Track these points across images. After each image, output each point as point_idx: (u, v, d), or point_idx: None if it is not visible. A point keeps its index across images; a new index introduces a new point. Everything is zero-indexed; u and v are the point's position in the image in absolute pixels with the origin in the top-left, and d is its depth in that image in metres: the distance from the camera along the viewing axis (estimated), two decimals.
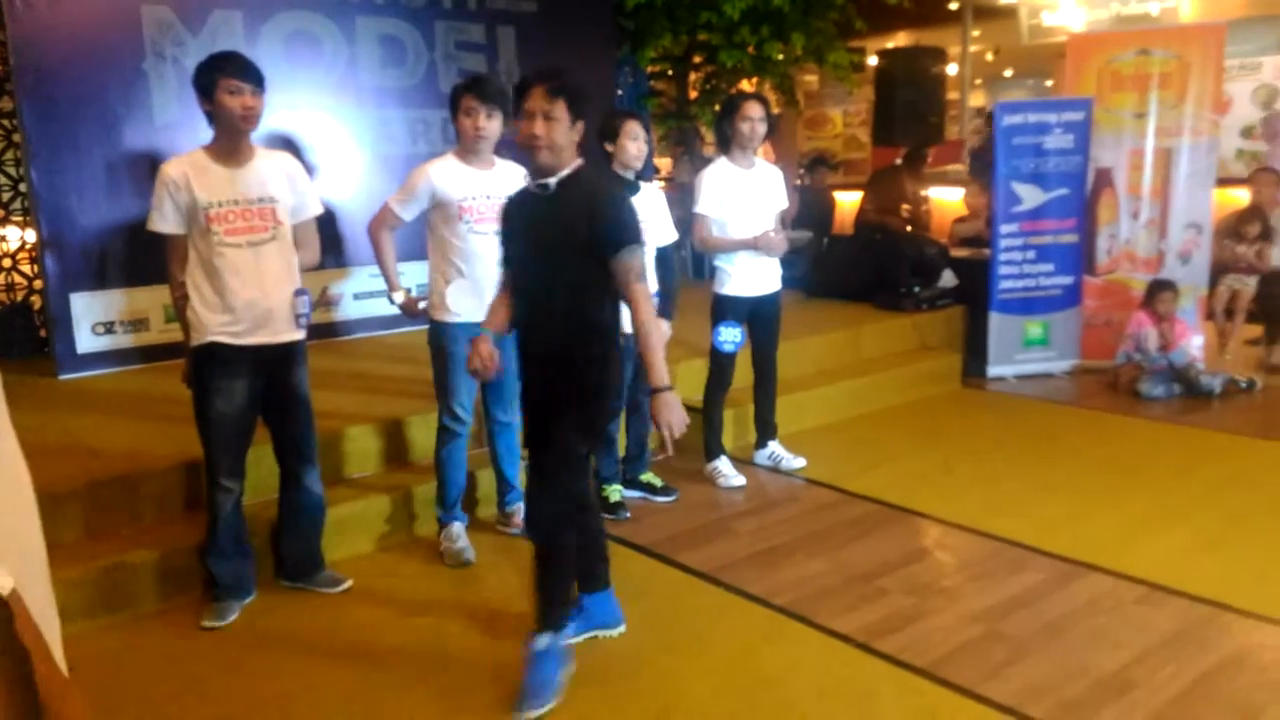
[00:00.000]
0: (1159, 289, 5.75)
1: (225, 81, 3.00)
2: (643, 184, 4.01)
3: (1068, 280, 6.19)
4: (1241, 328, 6.25)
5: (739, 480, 4.47)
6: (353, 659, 3.02)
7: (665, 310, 4.10)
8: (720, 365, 4.48)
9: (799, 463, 4.65)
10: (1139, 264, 6.18)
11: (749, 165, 4.34)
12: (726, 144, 4.34)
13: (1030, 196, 6.11)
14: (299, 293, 3.21)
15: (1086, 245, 6.23)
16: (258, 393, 3.19)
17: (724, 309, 4.35)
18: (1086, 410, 5.56)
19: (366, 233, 3.69)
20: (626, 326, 3.93)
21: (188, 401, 3.21)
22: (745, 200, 4.30)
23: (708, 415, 4.55)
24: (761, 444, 4.74)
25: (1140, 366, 5.73)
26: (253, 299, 3.11)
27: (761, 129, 4.25)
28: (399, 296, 3.65)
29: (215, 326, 3.10)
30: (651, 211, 4.00)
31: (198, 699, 2.84)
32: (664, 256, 4.09)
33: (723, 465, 4.53)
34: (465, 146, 3.56)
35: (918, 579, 3.50)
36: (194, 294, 3.12)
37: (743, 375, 4.61)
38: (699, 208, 4.30)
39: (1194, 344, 5.88)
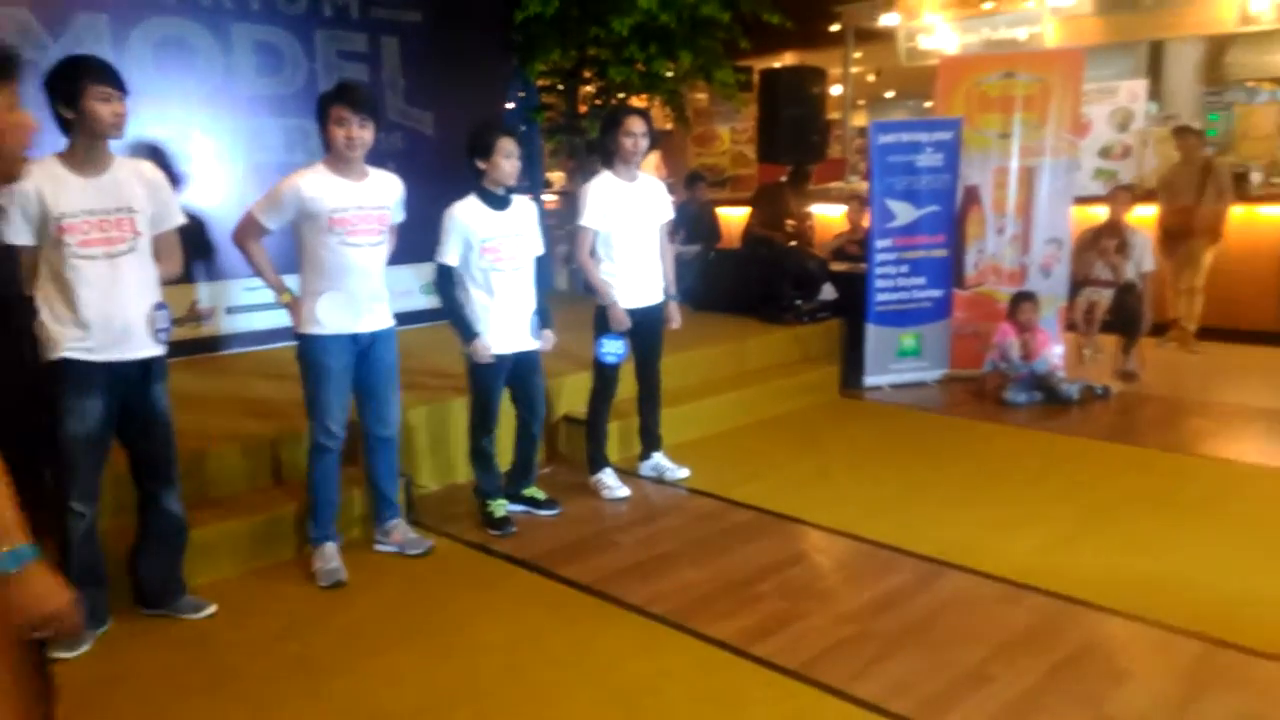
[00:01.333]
0: (1021, 300, 6.04)
1: (96, 88, 2.89)
2: (515, 197, 4.01)
3: (938, 293, 6.45)
4: (1098, 337, 6.61)
5: (623, 491, 4.50)
6: (215, 688, 2.92)
7: (545, 321, 4.12)
8: (604, 377, 4.50)
9: (683, 473, 4.70)
10: (1004, 277, 6.48)
11: (631, 179, 4.37)
12: (610, 158, 4.35)
13: (904, 213, 6.35)
14: (158, 306, 3.10)
15: (956, 259, 6.50)
16: (113, 411, 3.05)
17: (606, 321, 4.37)
18: (955, 417, 5.80)
19: (233, 242, 3.58)
20: (496, 346, 3.95)
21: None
22: (629, 213, 4.33)
23: (591, 428, 4.57)
24: (646, 455, 4.78)
25: (1005, 375, 6.00)
26: (108, 313, 2.99)
27: (644, 143, 4.28)
28: (285, 298, 3.54)
29: (68, 342, 2.96)
30: (526, 224, 4.01)
31: None
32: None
33: (607, 477, 4.55)
34: (336, 156, 3.49)
35: (793, 583, 3.58)
36: (45, 308, 2.98)
37: (627, 387, 4.65)
38: (582, 221, 4.31)
39: (1054, 353, 6.19)
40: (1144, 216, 7.22)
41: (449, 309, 3.94)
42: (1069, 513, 4.19)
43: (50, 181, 2.91)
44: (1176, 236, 7.16)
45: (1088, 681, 2.87)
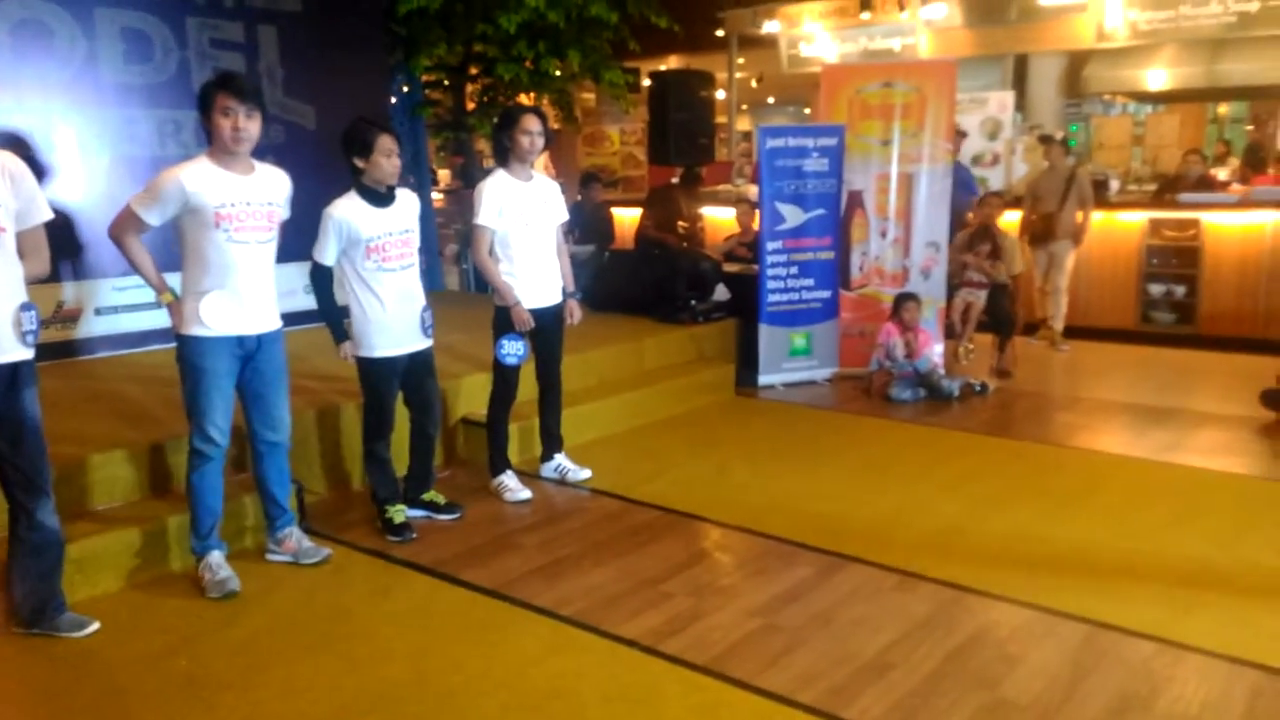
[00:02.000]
0: (904, 300, 6.27)
1: None
2: (398, 192, 3.91)
3: (826, 294, 6.63)
4: (972, 335, 6.92)
5: (525, 494, 4.45)
6: (99, 710, 2.75)
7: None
8: (504, 379, 4.44)
9: (585, 474, 4.69)
10: (887, 279, 6.71)
11: (527, 178, 4.32)
12: (505, 156, 4.28)
13: (792, 216, 6.49)
14: (24, 307, 2.90)
15: (842, 261, 6.70)
16: None
17: (506, 322, 4.32)
18: (845, 414, 5.97)
19: (109, 237, 3.36)
20: (382, 349, 3.85)
21: None
22: (525, 212, 4.28)
23: (491, 430, 4.50)
24: (547, 457, 4.74)
25: (890, 373, 6.22)
26: None
27: (540, 142, 4.25)
28: (167, 298, 3.35)
29: None
30: (412, 220, 3.96)
31: None
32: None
33: (508, 479, 4.49)
34: (221, 149, 3.32)
35: (699, 580, 3.62)
36: None
37: (527, 389, 4.61)
38: (479, 220, 4.23)
39: (935, 351, 6.46)
40: (1012, 221, 7.60)
41: (324, 309, 3.82)
42: (956, 504, 4.37)
43: None
44: (1042, 240, 7.56)
45: (983, 666, 2.99)
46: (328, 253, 3.77)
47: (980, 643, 3.13)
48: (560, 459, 4.71)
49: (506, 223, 4.25)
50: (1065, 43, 9.21)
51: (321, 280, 3.81)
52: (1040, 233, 7.55)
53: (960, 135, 7.97)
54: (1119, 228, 7.95)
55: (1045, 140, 7.76)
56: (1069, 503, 4.38)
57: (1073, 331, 7.74)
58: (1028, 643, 3.14)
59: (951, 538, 4.00)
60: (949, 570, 3.64)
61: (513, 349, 4.32)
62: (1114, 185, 8.36)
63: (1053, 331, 7.63)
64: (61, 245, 5.23)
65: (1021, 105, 9.74)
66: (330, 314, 3.83)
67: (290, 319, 3.84)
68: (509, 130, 4.21)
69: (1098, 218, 7.76)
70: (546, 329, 4.43)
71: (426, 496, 4.22)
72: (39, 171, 5.15)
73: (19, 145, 5.04)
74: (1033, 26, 9.20)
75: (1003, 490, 4.55)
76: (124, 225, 3.32)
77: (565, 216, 4.54)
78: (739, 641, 3.14)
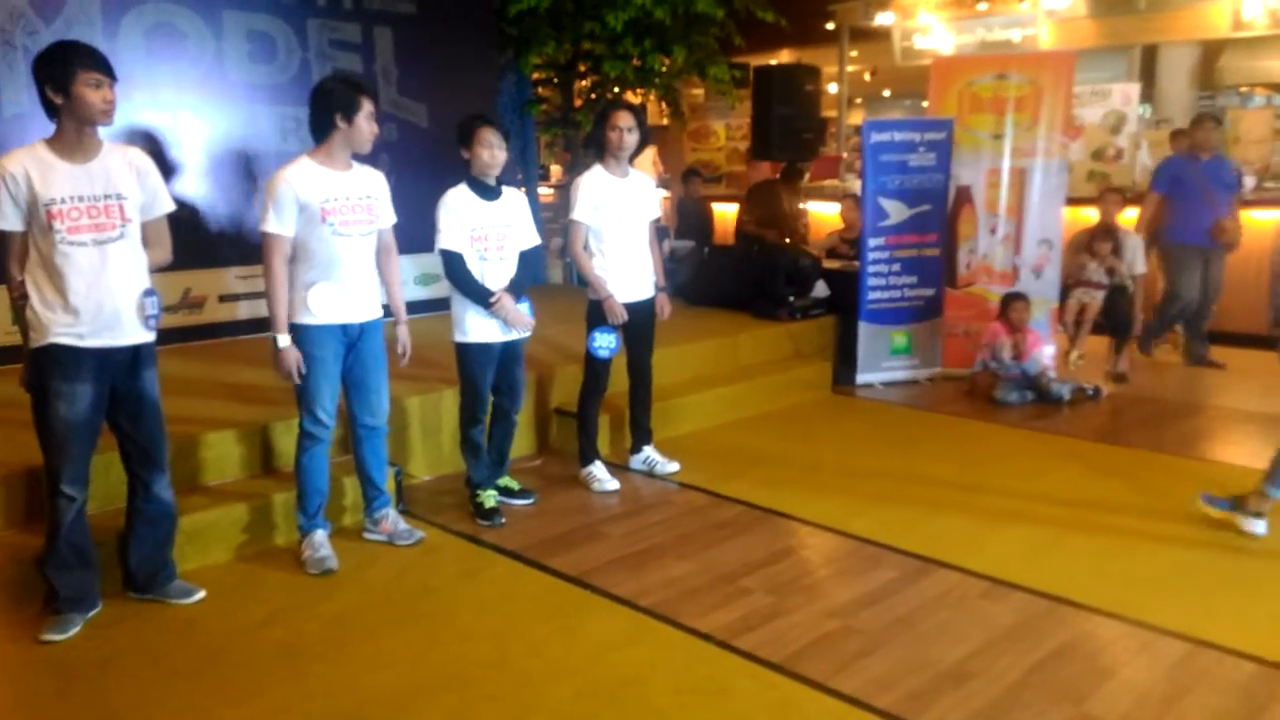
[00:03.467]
0: (1012, 300, 6.06)
1: (86, 74, 2.90)
2: (505, 189, 4.03)
3: (930, 292, 6.47)
4: (1088, 338, 6.63)
5: (613, 484, 4.51)
6: (199, 673, 2.93)
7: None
8: (595, 371, 4.50)
9: (673, 467, 4.72)
10: (995, 277, 6.50)
11: (623, 174, 4.38)
12: (601, 152, 4.37)
13: (896, 212, 6.36)
14: (147, 293, 3.10)
15: (947, 259, 6.52)
16: (103, 397, 3.05)
17: (599, 315, 4.39)
18: (945, 416, 5.82)
19: (265, 274, 3.46)
20: (481, 335, 3.98)
21: (28, 405, 3.06)
22: (618, 208, 4.34)
23: (582, 421, 4.58)
24: (637, 449, 4.79)
25: (995, 374, 6.03)
26: (98, 300, 2.99)
27: (630, 138, 4.28)
28: (285, 340, 3.45)
29: (57, 328, 2.96)
30: (516, 216, 4.05)
31: (30, 716, 2.70)
32: (525, 258, 4.13)
33: (597, 470, 4.56)
34: (351, 149, 3.51)
35: (779, 578, 3.60)
36: (34, 294, 2.98)
37: (619, 381, 4.66)
38: (574, 215, 4.33)
39: (1045, 353, 6.22)
40: (1135, 219, 7.24)
41: (465, 285, 3.93)
42: (1056, 512, 4.22)
43: (38, 167, 2.91)
44: None
45: (1070, 680, 2.89)
46: (450, 239, 3.90)
47: (1068, 655, 3.03)
48: (649, 451, 4.75)
49: (601, 218, 4.32)
50: (1198, 32, 8.70)
51: (456, 264, 3.91)
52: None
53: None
54: (1252, 227, 7.47)
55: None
56: (1180, 516, 4.16)
57: None
58: (1120, 657, 3.02)
59: (1047, 546, 3.87)
60: (1041, 580, 3.52)
61: (605, 341, 4.39)
62: (1249, 182, 7.85)
63: (1176, 336, 7.25)
64: (189, 235, 5.57)
65: (1150, 98, 9.27)
66: (472, 285, 3.92)
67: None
68: (601, 126, 4.30)
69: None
70: (638, 323, 4.48)
71: (502, 482, 4.33)
72: (169, 166, 5.52)
73: (151, 140, 5.38)
74: (1163, 16, 8.73)
75: (1108, 500, 4.36)
76: (269, 253, 3.43)
77: (658, 213, 4.58)
78: (815, 641, 3.11)
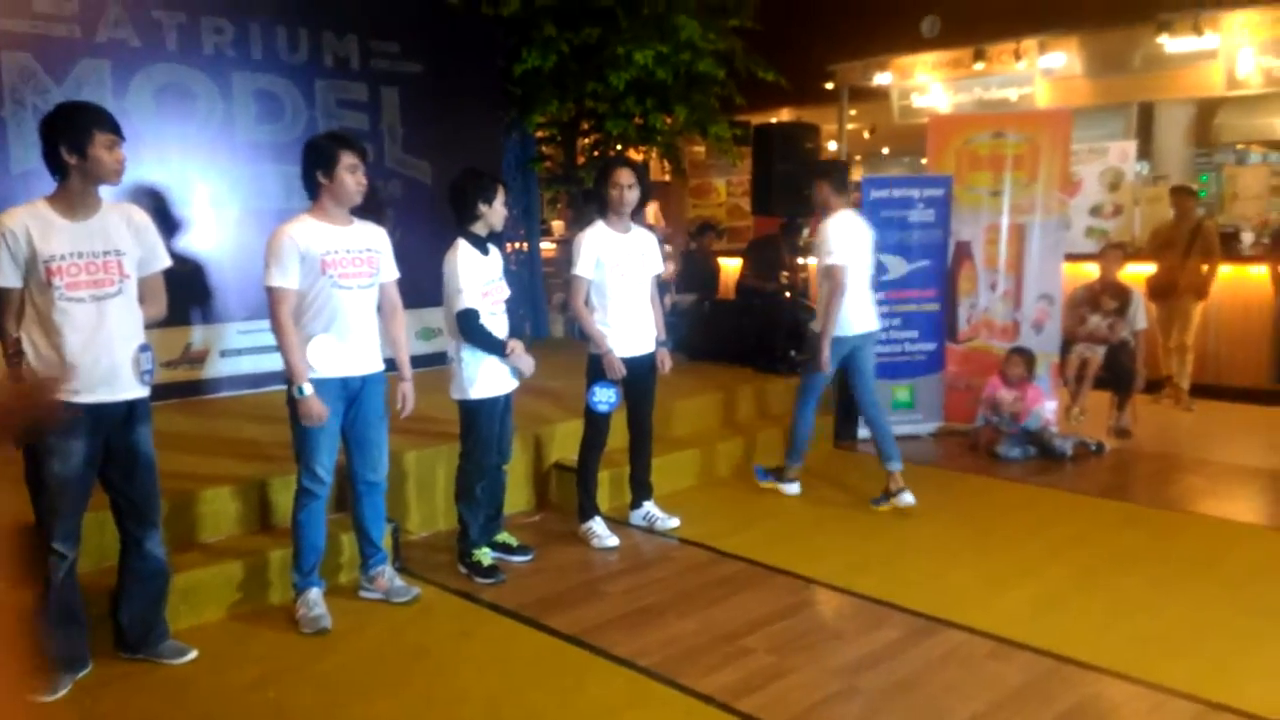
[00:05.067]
0: (1009, 355, 6.07)
1: (102, 136, 2.95)
2: (492, 246, 4.07)
3: (931, 346, 6.47)
4: (1087, 397, 6.61)
5: (612, 541, 4.46)
6: None
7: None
8: (595, 425, 4.49)
9: (673, 522, 4.67)
10: (996, 332, 6.50)
11: (625, 229, 4.42)
12: (603, 208, 4.42)
13: (896, 266, 6.39)
14: (142, 349, 3.10)
15: (948, 313, 6.53)
16: (96, 453, 3.04)
17: (599, 369, 4.38)
18: (948, 471, 5.77)
19: (273, 328, 3.47)
20: (491, 389, 3.98)
21: (19, 460, 3.04)
22: (620, 263, 4.37)
23: (582, 476, 4.55)
24: (637, 504, 4.75)
25: (997, 429, 5.99)
26: (95, 355, 2.99)
27: (631, 195, 4.33)
28: (308, 388, 3.44)
29: None
30: (502, 269, 4.12)
31: None
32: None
33: (596, 526, 4.51)
34: (340, 202, 3.52)
35: (781, 637, 3.54)
36: (30, 350, 2.98)
37: (620, 436, 4.64)
38: (575, 270, 4.37)
39: (1047, 408, 6.19)
40: (1135, 274, 7.27)
41: (484, 341, 3.94)
42: (1062, 569, 4.16)
43: (38, 224, 2.94)
44: (1164, 294, 7.21)
45: None
46: (473, 296, 3.90)
47: (1077, 717, 2.96)
48: (649, 507, 4.71)
49: (602, 273, 4.35)
50: (1194, 91, 8.79)
51: (472, 321, 3.92)
52: (1163, 286, 7.20)
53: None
54: (1252, 281, 7.50)
55: (1176, 191, 7.40)
56: (1186, 573, 4.11)
57: (1200, 390, 7.32)
58: (1130, 719, 2.95)
59: (1054, 605, 3.80)
60: (1048, 639, 3.45)
61: (604, 396, 4.38)
62: (1247, 238, 7.90)
63: (1179, 390, 7.23)
64: (192, 291, 5.62)
65: (1147, 154, 9.35)
66: (490, 339, 3.94)
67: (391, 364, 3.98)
68: (603, 183, 4.36)
69: (1225, 271, 7.35)
70: (639, 377, 4.48)
71: (500, 538, 4.29)
72: (175, 223, 5.57)
73: (157, 198, 5.43)
74: (1158, 75, 8.83)
75: (1114, 556, 4.31)
76: (275, 307, 3.45)
77: (660, 268, 4.62)
78: (818, 703, 3.05)
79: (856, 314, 5.02)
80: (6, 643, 1.02)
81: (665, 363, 4.61)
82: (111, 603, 3.26)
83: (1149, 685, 3.13)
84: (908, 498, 4.91)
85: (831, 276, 4.89)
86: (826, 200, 5.08)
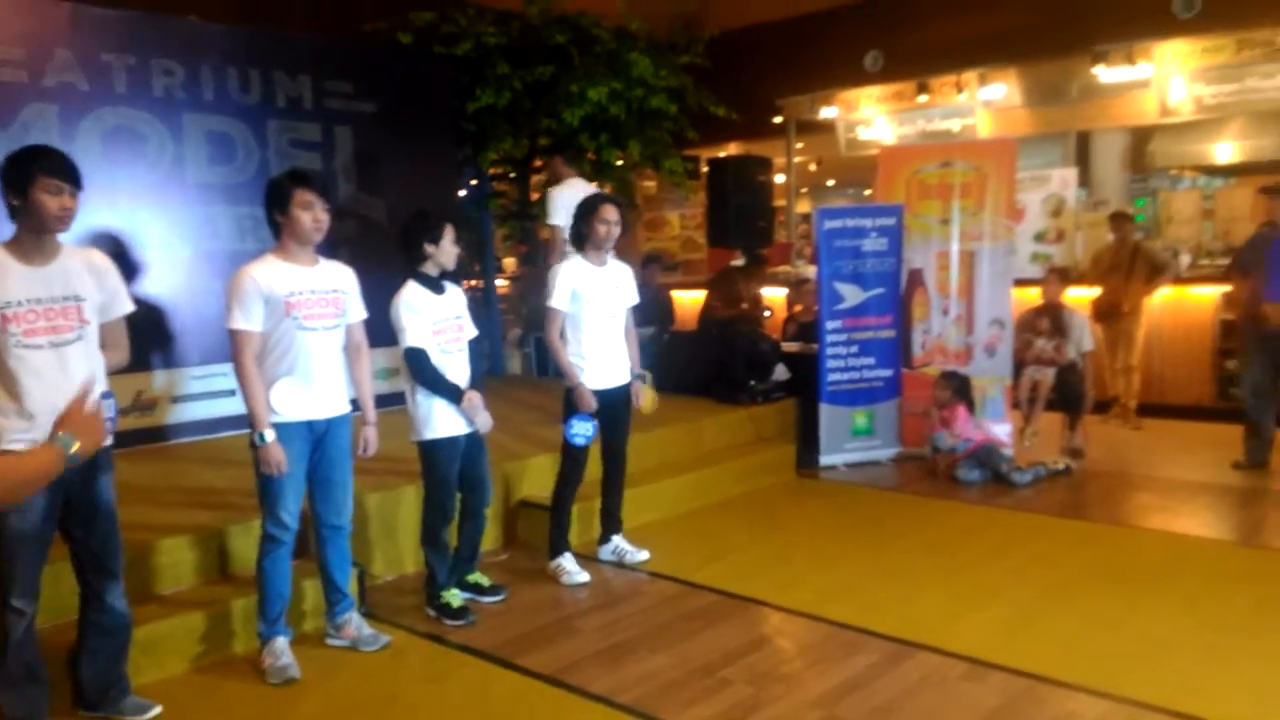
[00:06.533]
0: (938, 378, 6.25)
1: (44, 180, 2.85)
2: (447, 284, 4.04)
3: (888, 373, 6.57)
4: (1039, 418, 6.75)
5: (583, 577, 4.43)
6: None
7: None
8: (573, 459, 4.46)
9: (643, 556, 4.65)
10: (950, 356, 6.62)
11: (601, 263, 4.46)
12: (582, 242, 4.42)
13: (851, 295, 6.49)
14: (105, 395, 3.02)
15: (903, 340, 6.64)
16: (56, 505, 2.94)
17: (574, 402, 4.37)
18: (909, 495, 5.84)
19: (236, 372, 3.41)
20: (448, 429, 3.93)
21: None
22: (597, 296, 4.40)
23: (556, 511, 4.50)
24: (605, 539, 4.73)
25: (953, 453, 6.08)
26: (54, 403, 2.88)
27: (617, 230, 4.40)
28: (270, 435, 3.37)
29: (11, 434, 2.86)
30: (462, 308, 4.08)
31: None
32: (472, 349, 4.16)
33: (566, 562, 4.47)
34: (299, 241, 3.46)
35: (758, 668, 3.53)
36: None
37: (591, 469, 4.60)
38: (551, 302, 4.37)
39: (1000, 431, 6.31)
40: (1082, 297, 7.46)
41: (434, 382, 3.89)
42: (1027, 589, 4.22)
43: None
44: (1109, 316, 7.41)
45: None
46: (418, 335, 3.87)
47: None
48: (618, 541, 4.69)
49: (578, 305, 4.37)
50: (1128, 119, 9.11)
51: (422, 361, 3.87)
52: (1107, 309, 7.40)
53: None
54: (1192, 302, 7.74)
55: (1114, 217, 7.64)
56: (1147, 588, 4.19)
57: (1146, 409, 7.51)
58: None
59: (1022, 624, 3.85)
60: (1020, 659, 3.49)
61: (581, 429, 4.37)
62: (1185, 260, 8.16)
63: (1126, 409, 7.41)
64: (144, 336, 5.48)
65: (1085, 181, 9.63)
66: (441, 381, 3.89)
67: (357, 405, 3.93)
68: (588, 219, 4.38)
69: (1165, 293, 7.58)
70: (613, 409, 4.48)
71: (471, 578, 4.24)
72: (127, 267, 5.45)
73: (107, 242, 5.32)
74: (1094, 104, 9.15)
75: (1076, 575, 4.38)
76: (238, 351, 3.37)
77: (636, 299, 4.63)
78: None
79: None
80: None
81: (639, 396, 4.61)
82: (70, 659, 3.14)
83: (1122, 700, 3.18)
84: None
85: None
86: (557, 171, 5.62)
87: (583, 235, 4.41)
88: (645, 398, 4.67)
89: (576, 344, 4.39)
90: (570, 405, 4.39)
